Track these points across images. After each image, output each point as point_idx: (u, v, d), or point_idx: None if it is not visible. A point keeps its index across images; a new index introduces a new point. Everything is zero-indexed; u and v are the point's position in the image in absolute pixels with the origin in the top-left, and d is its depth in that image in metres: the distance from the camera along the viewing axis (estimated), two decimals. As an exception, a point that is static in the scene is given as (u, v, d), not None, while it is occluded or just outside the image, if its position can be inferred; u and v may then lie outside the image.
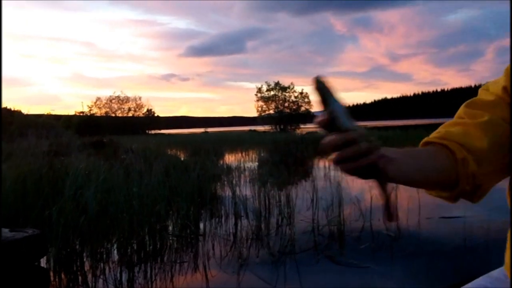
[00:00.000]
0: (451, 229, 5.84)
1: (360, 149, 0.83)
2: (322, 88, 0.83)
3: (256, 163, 15.72)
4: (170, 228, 6.11)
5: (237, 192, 7.38)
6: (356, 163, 0.84)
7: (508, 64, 1.08)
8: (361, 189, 8.71)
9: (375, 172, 0.88)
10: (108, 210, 5.83)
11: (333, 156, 0.86)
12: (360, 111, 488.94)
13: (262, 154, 19.78)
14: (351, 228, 5.99)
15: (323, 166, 14.13)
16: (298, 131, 50.63)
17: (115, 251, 5.18)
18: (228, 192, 8.07)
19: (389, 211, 0.94)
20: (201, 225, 6.30)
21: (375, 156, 0.85)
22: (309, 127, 61.15)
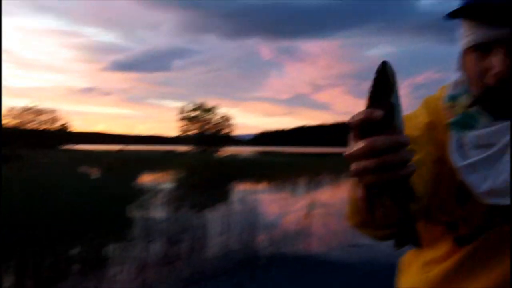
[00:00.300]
0: (360, 255, 5.99)
1: (404, 157, 0.70)
2: (389, 74, 0.72)
3: (173, 185, 15.46)
4: (75, 251, 5.76)
5: (149, 215, 7.17)
6: (391, 174, 0.71)
7: (426, 96, 1.10)
8: (274, 214, 8.77)
9: (399, 188, 0.75)
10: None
11: (363, 162, 0.71)
12: (281, 137, 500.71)
13: (179, 176, 19.50)
14: (262, 254, 5.97)
15: (239, 190, 14.15)
16: (219, 154, 50.75)
17: (9, 277, 4.78)
18: (140, 215, 7.82)
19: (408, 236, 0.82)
20: (109, 249, 6.01)
21: (412, 168, 0.72)
22: (230, 150, 61.57)
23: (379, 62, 0.72)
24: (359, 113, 0.71)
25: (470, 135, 1.03)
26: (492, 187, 0.98)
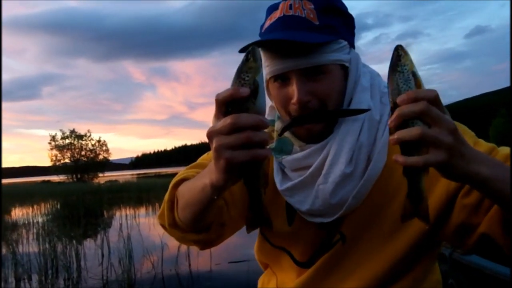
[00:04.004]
0: (238, 271, 6.17)
1: (265, 138, 0.75)
2: (257, 58, 0.77)
3: (47, 217, 14.57)
4: None
5: (20, 250, 6.75)
6: (251, 153, 0.74)
7: None
8: (156, 237, 8.69)
9: (253, 170, 0.78)
10: None
11: (226, 138, 0.73)
12: (162, 158, 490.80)
13: (54, 207, 18.43)
14: (143, 280, 5.96)
15: (118, 216, 13.76)
16: (96, 180, 48.59)
17: None
18: (9, 251, 7.31)
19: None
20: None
21: (269, 151, 0.77)
22: (108, 176, 59.10)
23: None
24: (225, 90, 0.75)
25: (287, 160, 1.08)
26: (311, 208, 1.04)
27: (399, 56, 0.76)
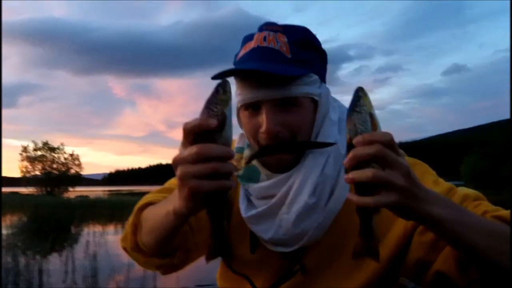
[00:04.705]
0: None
1: (231, 169, 0.77)
2: (227, 90, 0.79)
3: (14, 230, 14.21)
4: None
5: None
6: (216, 183, 0.76)
7: None
8: (118, 258, 8.54)
9: (217, 200, 0.79)
10: None
11: (191, 167, 0.74)
12: (136, 175, 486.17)
13: (20, 220, 17.96)
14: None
15: (88, 232, 13.50)
16: (66, 195, 47.70)
17: None
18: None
19: None
20: None
21: (234, 183, 0.79)
22: (79, 190, 58.17)
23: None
24: (194, 120, 0.76)
25: (254, 188, 1.08)
26: (274, 237, 1.04)
27: (358, 97, 0.78)
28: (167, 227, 0.92)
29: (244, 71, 1.01)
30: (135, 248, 1.07)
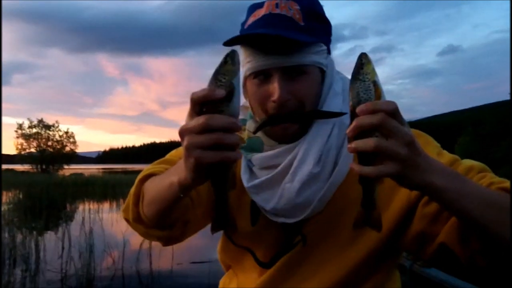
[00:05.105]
0: (200, 272, 6.15)
1: (236, 141, 0.75)
2: (235, 60, 0.76)
3: (9, 206, 14.22)
4: None
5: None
6: (221, 154, 0.74)
7: None
8: (118, 233, 8.59)
9: (222, 172, 0.78)
10: None
11: (197, 137, 0.73)
12: (129, 154, 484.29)
13: (16, 197, 17.97)
14: (102, 276, 5.89)
15: (82, 210, 13.54)
16: (61, 172, 47.67)
17: None
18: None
19: None
20: None
21: (239, 154, 0.78)
22: (73, 168, 58.09)
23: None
24: (201, 90, 0.74)
25: (256, 158, 1.07)
26: (276, 206, 1.03)
27: (362, 64, 0.76)
28: (169, 198, 0.92)
29: (255, 37, 0.99)
30: (136, 219, 1.06)
